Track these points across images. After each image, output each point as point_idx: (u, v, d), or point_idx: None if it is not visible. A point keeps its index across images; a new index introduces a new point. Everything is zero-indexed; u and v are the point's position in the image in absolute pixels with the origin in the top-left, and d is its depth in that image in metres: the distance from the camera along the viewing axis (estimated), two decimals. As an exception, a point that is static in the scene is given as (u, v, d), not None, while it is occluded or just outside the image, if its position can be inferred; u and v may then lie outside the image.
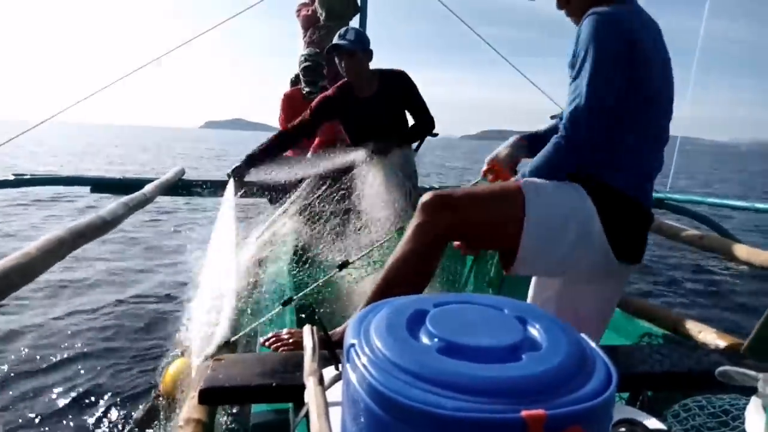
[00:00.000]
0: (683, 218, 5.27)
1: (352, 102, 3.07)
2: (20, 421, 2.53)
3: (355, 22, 4.89)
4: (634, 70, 1.41)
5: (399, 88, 3.05)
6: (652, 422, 0.98)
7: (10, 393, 2.74)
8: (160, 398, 1.99)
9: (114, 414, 2.63)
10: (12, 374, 2.93)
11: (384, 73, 3.07)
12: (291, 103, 4.17)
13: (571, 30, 1.55)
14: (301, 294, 1.91)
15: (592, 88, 1.37)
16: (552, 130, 1.78)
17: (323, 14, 4.78)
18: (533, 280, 1.73)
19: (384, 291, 1.42)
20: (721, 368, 0.88)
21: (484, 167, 1.76)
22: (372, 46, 3.05)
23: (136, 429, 2.43)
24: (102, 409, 2.65)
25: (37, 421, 2.54)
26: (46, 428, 2.50)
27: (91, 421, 2.57)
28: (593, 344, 0.65)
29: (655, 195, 5.39)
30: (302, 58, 4.15)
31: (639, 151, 1.49)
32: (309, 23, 4.89)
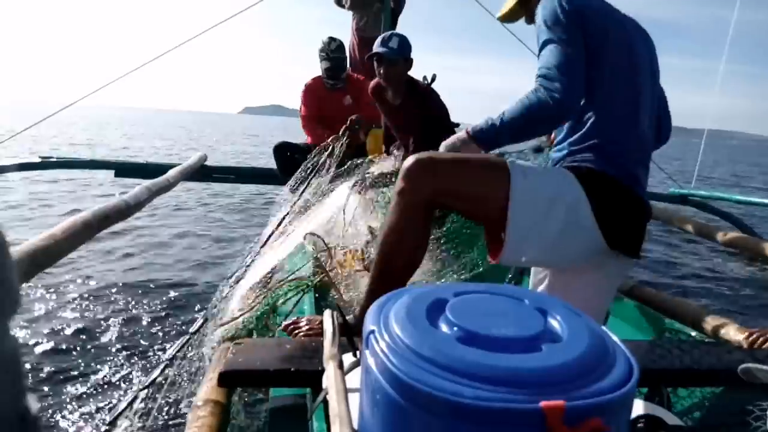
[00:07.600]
0: (707, 215, 5.19)
1: (383, 105, 3.21)
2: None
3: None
4: (588, 39, 1.40)
5: (417, 106, 3.06)
6: (671, 418, 0.98)
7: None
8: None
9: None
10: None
11: (411, 85, 3.07)
12: (312, 93, 4.16)
13: None
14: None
15: (556, 53, 1.37)
16: None
17: (348, 2, 4.71)
18: (532, 270, 1.69)
19: (382, 264, 1.41)
20: (744, 365, 0.87)
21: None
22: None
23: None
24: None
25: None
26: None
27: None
28: (615, 338, 0.65)
29: (678, 191, 5.35)
30: (323, 55, 4.01)
31: (621, 138, 1.44)
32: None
